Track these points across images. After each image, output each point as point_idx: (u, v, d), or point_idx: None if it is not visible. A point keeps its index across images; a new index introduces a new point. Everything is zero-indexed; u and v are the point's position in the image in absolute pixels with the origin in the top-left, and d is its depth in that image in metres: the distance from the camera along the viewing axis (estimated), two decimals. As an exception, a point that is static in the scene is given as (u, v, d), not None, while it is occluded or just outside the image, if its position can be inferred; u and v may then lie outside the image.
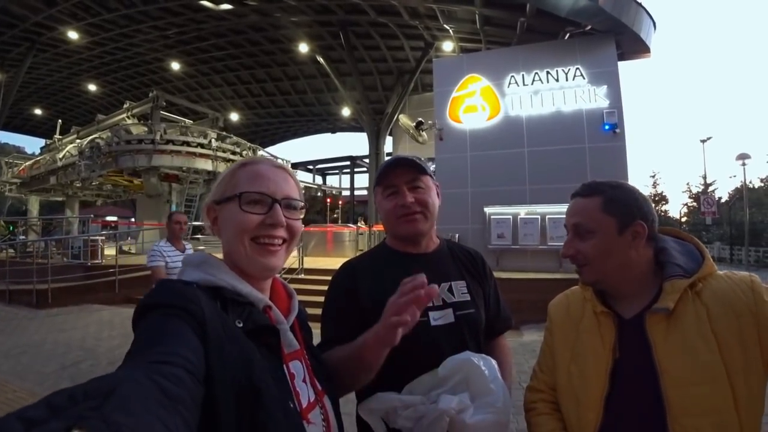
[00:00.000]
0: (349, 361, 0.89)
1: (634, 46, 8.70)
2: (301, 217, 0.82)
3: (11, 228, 16.11)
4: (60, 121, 19.70)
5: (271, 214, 0.74)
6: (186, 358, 0.51)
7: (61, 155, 15.26)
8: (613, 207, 0.92)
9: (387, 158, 1.31)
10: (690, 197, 26.95)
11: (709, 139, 20.61)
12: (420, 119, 11.53)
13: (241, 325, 0.66)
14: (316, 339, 0.92)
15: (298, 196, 0.81)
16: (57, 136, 18.33)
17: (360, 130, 19.42)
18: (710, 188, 24.38)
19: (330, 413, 0.78)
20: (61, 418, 0.33)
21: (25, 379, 4.21)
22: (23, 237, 14.95)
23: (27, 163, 18.94)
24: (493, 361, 0.94)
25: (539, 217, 7.94)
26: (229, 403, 0.56)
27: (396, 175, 1.12)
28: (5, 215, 25.54)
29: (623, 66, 8.52)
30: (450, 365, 0.91)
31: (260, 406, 0.59)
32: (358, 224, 15.06)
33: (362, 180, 30.01)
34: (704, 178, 23.93)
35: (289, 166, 17.79)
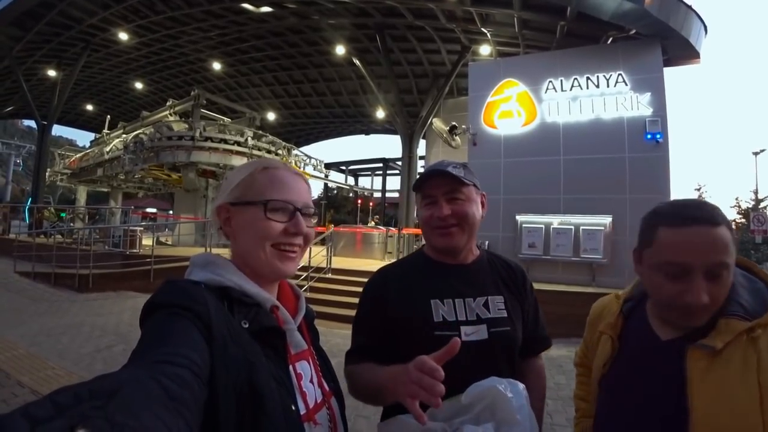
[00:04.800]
0: (371, 390, 0.92)
1: (682, 52, 8.26)
2: (314, 222, 0.83)
3: (62, 215, 17.09)
4: (109, 116, 20.82)
5: (295, 223, 0.76)
6: (191, 359, 0.51)
7: (108, 149, 16.11)
8: (733, 236, 0.80)
9: (423, 162, 1.28)
10: (739, 213, 25.41)
11: (762, 151, 19.50)
12: (454, 123, 11.43)
13: (247, 325, 0.66)
14: (326, 340, 0.92)
15: (311, 202, 0.82)
16: (105, 130, 19.38)
17: (393, 132, 19.44)
18: (762, 204, 22.90)
19: (336, 414, 0.79)
20: (66, 417, 0.33)
21: (63, 358, 4.45)
22: (71, 224, 15.84)
23: (77, 155, 20.12)
24: (522, 387, 0.89)
25: (573, 228, 7.66)
26: (230, 406, 0.56)
27: (433, 186, 1.09)
28: (56, 203, 27.14)
29: (669, 72, 8.12)
30: (474, 392, 0.85)
31: (261, 409, 0.59)
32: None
33: (394, 182, 30.05)
34: (755, 193, 22.51)
35: (323, 165, 18.24)
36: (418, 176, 1.17)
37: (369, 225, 15.50)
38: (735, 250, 0.78)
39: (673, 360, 0.82)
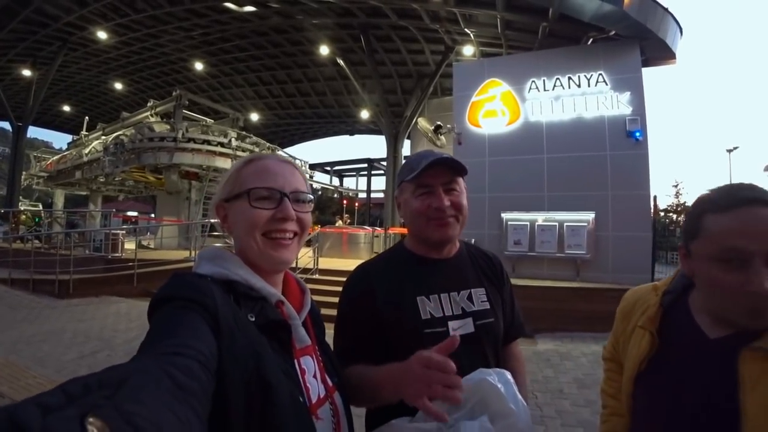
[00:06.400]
0: (367, 391, 0.89)
1: (660, 52, 8.49)
2: (311, 209, 0.82)
3: (37, 219, 16.61)
4: (87, 117, 20.31)
5: (281, 208, 0.75)
6: (199, 350, 0.52)
7: (86, 151, 15.72)
8: None
9: (419, 151, 1.23)
10: (714, 209, 26.17)
11: (735, 148, 20.15)
12: (439, 123, 11.51)
13: (253, 319, 0.67)
14: (329, 336, 0.91)
15: (306, 189, 0.81)
16: (84, 132, 18.90)
17: (378, 132, 19.46)
18: (736, 200, 23.67)
19: (340, 409, 0.79)
20: (77, 406, 0.34)
21: (44, 365, 4.33)
22: (48, 228, 15.41)
23: (54, 158, 19.58)
24: (509, 375, 0.90)
25: (557, 224, 7.80)
26: (239, 396, 0.57)
27: (432, 175, 1.04)
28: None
29: (647, 72, 8.34)
30: (465, 387, 0.83)
31: (269, 399, 0.60)
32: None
33: (379, 183, 30.06)
34: (730, 189, 23.25)
35: (307, 166, 18.16)
36: (404, 161, 1.14)
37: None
38: None
39: (723, 361, 0.76)
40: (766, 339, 0.73)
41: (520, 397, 0.86)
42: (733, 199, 0.74)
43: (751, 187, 0.75)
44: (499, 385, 0.85)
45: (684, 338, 0.84)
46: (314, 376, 0.76)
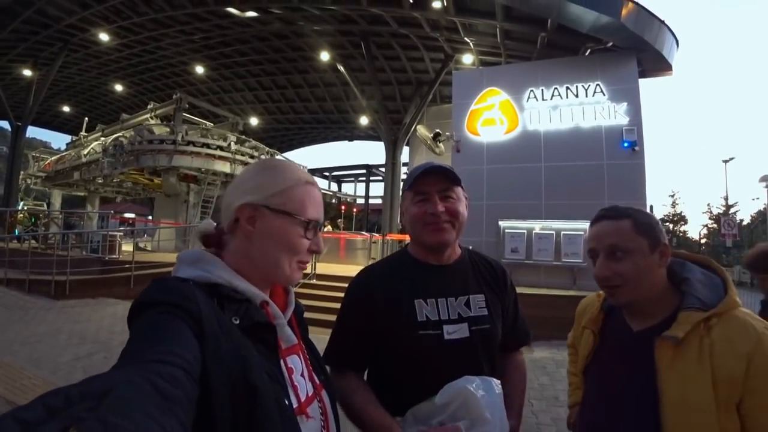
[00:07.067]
0: (359, 424, 0.99)
1: (656, 64, 8.59)
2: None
3: (33, 220, 16.56)
4: (86, 118, 20.35)
5: (316, 241, 0.80)
6: (182, 357, 0.51)
7: (85, 152, 15.72)
8: (643, 228, 0.97)
9: (406, 169, 1.29)
10: (710, 218, 26.41)
11: (731, 159, 20.25)
12: (437, 130, 11.58)
13: (237, 321, 0.66)
14: (313, 336, 0.92)
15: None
16: (83, 133, 18.92)
17: (377, 138, 19.52)
18: (732, 210, 23.84)
19: (328, 407, 0.80)
20: (58, 420, 0.33)
21: (40, 367, 4.31)
22: (43, 229, 15.35)
23: (53, 158, 19.57)
24: (495, 383, 0.93)
25: (554, 232, 7.84)
26: (225, 401, 0.56)
27: (428, 183, 1.09)
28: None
29: (644, 83, 8.43)
30: (448, 392, 0.90)
31: (256, 403, 0.59)
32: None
33: (377, 189, 30.17)
34: (726, 199, 23.43)
35: (306, 171, 18.13)
36: (405, 176, 1.20)
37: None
38: (652, 238, 0.95)
39: (645, 349, 0.92)
40: (673, 329, 0.89)
41: (500, 406, 0.90)
42: (594, 216, 1.05)
43: (611, 208, 1.04)
44: (480, 393, 0.88)
45: (616, 334, 1.04)
46: (302, 375, 0.76)
